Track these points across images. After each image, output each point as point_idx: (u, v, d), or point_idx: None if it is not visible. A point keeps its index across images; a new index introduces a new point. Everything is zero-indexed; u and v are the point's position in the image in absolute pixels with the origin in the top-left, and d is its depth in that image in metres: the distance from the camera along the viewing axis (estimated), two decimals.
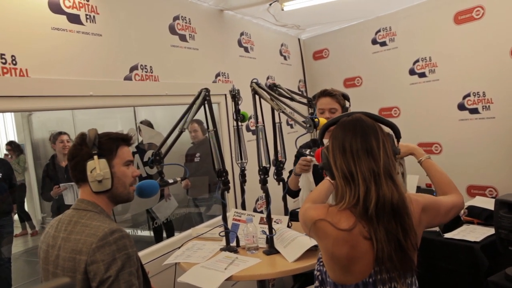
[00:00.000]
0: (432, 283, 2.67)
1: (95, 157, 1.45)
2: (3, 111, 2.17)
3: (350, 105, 2.53)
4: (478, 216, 2.88)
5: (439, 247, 2.70)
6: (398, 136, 1.51)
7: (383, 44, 3.99)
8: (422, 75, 3.72)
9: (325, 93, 2.46)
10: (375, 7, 3.83)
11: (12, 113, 5.55)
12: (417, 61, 3.74)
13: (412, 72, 3.79)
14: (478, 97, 3.36)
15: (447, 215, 1.51)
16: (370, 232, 1.27)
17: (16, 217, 5.37)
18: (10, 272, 4.04)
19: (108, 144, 1.50)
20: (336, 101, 2.43)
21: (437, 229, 2.73)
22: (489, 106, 3.31)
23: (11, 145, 5.45)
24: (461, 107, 3.48)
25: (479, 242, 2.54)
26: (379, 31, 4.00)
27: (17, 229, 5.79)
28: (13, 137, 6.15)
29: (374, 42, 4.06)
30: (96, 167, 1.44)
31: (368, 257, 1.28)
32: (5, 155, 5.47)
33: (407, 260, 1.29)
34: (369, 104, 4.07)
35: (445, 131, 3.58)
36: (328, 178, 1.60)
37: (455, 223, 2.86)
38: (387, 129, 1.47)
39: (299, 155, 2.49)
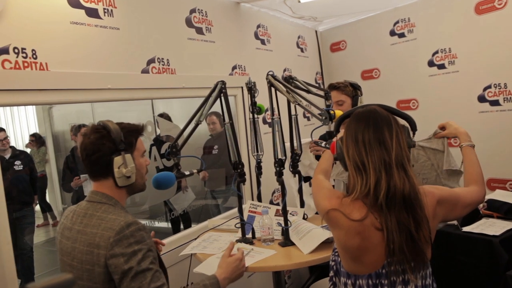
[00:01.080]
0: (450, 276, 2.65)
1: (123, 152, 1.45)
2: (24, 104, 2.21)
3: (361, 94, 2.51)
4: (497, 209, 2.83)
5: (457, 241, 2.67)
6: (414, 128, 1.50)
7: (401, 35, 3.94)
8: (442, 66, 3.66)
9: (330, 87, 2.46)
10: None
11: (34, 106, 5.67)
12: (436, 52, 3.68)
13: (431, 63, 3.73)
14: (500, 88, 3.29)
15: (464, 210, 1.50)
16: (381, 223, 1.27)
17: (38, 207, 5.50)
18: (32, 261, 4.15)
19: (129, 138, 1.51)
20: (342, 93, 2.43)
21: (455, 222, 2.69)
22: (510, 98, 3.25)
23: (34, 136, 5.59)
24: (482, 99, 3.42)
25: (498, 236, 2.50)
26: (397, 22, 3.95)
27: (39, 220, 5.94)
28: (34, 129, 6.29)
29: (392, 33, 4.00)
30: (125, 163, 1.45)
31: (380, 248, 1.29)
32: (27, 144, 5.60)
33: (418, 252, 1.28)
34: (387, 96, 4.02)
35: (464, 123, 3.41)
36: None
37: (474, 216, 2.82)
38: (403, 122, 1.46)
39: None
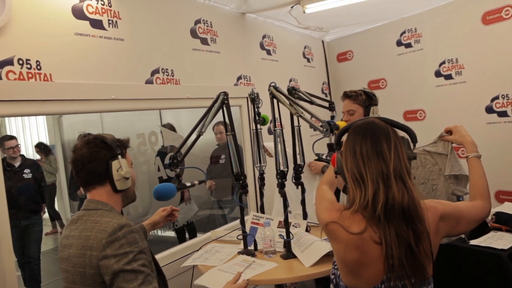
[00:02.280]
0: None
1: (119, 156, 1.51)
2: (28, 115, 2.24)
3: (376, 103, 2.48)
4: (506, 222, 2.78)
5: (464, 254, 2.62)
6: (414, 140, 1.48)
7: (408, 45, 3.92)
8: (449, 77, 3.63)
9: (343, 95, 2.44)
10: (399, 8, 3.77)
11: (44, 116, 5.72)
12: (443, 62, 3.66)
13: (438, 74, 3.71)
14: (508, 99, 3.26)
15: (469, 226, 1.47)
16: (380, 236, 1.25)
17: (46, 215, 5.53)
18: (39, 269, 4.16)
19: (121, 147, 1.57)
20: (354, 102, 2.40)
21: (462, 235, 2.65)
22: None
23: (39, 147, 5.61)
24: (489, 110, 3.38)
25: (506, 250, 2.45)
26: (404, 32, 3.93)
27: (48, 228, 5.98)
28: (44, 138, 6.35)
29: (399, 43, 3.99)
30: (122, 165, 1.51)
31: (379, 263, 1.26)
32: (38, 159, 5.64)
33: (418, 266, 1.26)
34: (394, 106, 4.00)
35: (472, 134, 3.41)
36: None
37: (482, 229, 2.77)
38: (403, 134, 1.45)
39: (318, 159, 2.48)
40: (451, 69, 3.61)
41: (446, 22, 3.63)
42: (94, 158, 1.49)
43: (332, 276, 1.45)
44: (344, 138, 1.48)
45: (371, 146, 1.32)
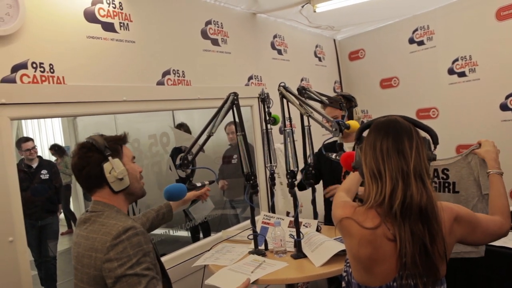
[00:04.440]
0: None
1: (110, 158, 1.50)
2: (41, 117, 2.27)
3: (356, 105, 2.55)
4: None
5: None
6: (435, 142, 1.46)
7: (420, 43, 3.89)
8: (462, 74, 3.59)
9: (323, 104, 2.45)
10: (411, 6, 3.74)
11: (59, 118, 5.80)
12: (457, 60, 3.62)
13: (451, 71, 3.67)
14: None
15: (486, 238, 1.44)
16: (394, 233, 1.25)
17: (62, 216, 5.61)
18: (55, 269, 4.22)
19: (113, 145, 1.55)
20: (335, 108, 2.43)
21: None
22: None
23: (54, 149, 5.68)
24: (504, 107, 3.33)
25: None
26: (416, 30, 3.90)
27: (64, 228, 6.06)
28: (60, 140, 6.44)
29: (411, 41, 3.96)
30: (114, 166, 1.50)
31: (392, 260, 1.27)
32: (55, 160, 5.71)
33: (431, 266, 1.26)
34: (406, 105, 3.97)
35: (486, 132, 3.44)
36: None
37: None
38: (424, 134, 1.44)
39: (319, 153, 2.47)
40: (464, 67, 3.57)
41: (459, 18, 3.59)
42: (87, 163, 1.50)
43: (344, 274, 1.46)
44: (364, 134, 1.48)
45: (392, 143, 1.32)
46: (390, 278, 1.28)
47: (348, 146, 2.58)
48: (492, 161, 1.69)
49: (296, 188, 2.13)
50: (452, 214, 1.36)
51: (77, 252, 1.47)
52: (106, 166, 1.49)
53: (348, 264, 1.43)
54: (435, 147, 1.46)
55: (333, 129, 1.82)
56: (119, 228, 1.39)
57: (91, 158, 1.49)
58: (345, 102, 2.47)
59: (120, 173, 1.51)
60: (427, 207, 1.26)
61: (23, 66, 1.89)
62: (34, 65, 1.93)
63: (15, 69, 1.86)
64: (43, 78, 1.97)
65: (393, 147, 1.31)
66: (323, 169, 2.66)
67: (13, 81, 1.85)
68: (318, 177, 2.68)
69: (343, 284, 1.46)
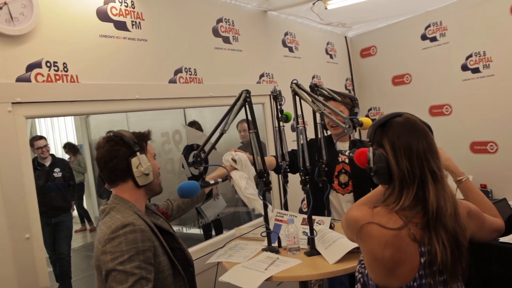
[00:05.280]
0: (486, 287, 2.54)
1: (138, 153, 1.56)
2: (56, 116, 2.29)
3: (358, 105, 2.52)
4: None
5: (493, 251, 2.56)
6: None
7: (433, 39, 3.85)
8: (476, 70, 3.55)
9: (327, 98, 2.43)
10: (424, 2, 3.70)
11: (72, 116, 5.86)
12: (470, 56, 3.58)
13: (464, 67, 3.63)
14: None
15: (491, 235, 1.46)
16: (423, 237, 1.25)
17: (75, 213, 5.67)
18: (69, 265, 4.27)
19: (140, 141, 1.61)
20: (341, 104, 2.43)
21: None
22: None
23: (67, 147, 5.73)
24: None
25: None
26: (429, 26, 3.86)
27: (77, 225, 6.13)
28: (73, 138, 6.50)
29: (423, 37, 3.92)
30: (141, 162, 1.56)
31: (413, 260, 1.26)
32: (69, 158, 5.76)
33: (459, 265, 1.27)
34: (419, 101, 3.95)
35: (501, 129, 3.40)
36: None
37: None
38: None
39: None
40: (478, 62, 3.53)
41: (472, 14, 3.54)
42: (115, 156, 1.55)
43: (359, 276, 1.43)
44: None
45: (426, 145, 1.31)
46: (411, 278, 1.27)
47: (342, 146, 2.57)
48: (456, 168, 1.66)
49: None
50: (466, 209, 1.37)
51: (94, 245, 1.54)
52: (134, 161, 1.55)
53: (362, 265, 1.41)
54: None
55: (347, 126, 1.81)
56: (117, 223, 1.44)
57: (119, 152, 1.55)
58: (349, 101, 2.46)
59: (147, 169, 1.57)
60: (454, 206, 1.28)
61: (38, 65, 1.91)
62: (48, 64, 1.95)
63: (30, 68, 1.88)
64: (57, 77, 1.98)
65: (428, 150, 1.30)
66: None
67: (28, 80, 1.87)
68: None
69: (358, 286, 1.44)
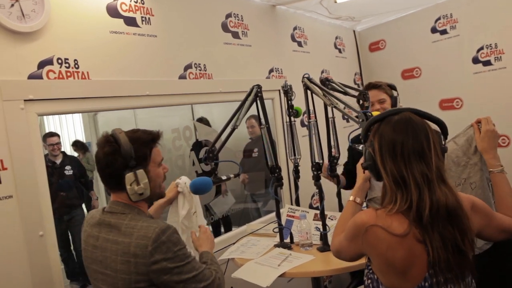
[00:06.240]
0: (501, 284, 2.52)
1: (134, 170, 1.41)
2: (67, 113, 2.31)
3: (398, 94, 2.45)
4: None
5: (509, 248, 2.54)
6: (445, 133, 1.42)
7: (443, 32, 3.81)
8: (487, 63, 3.51)
9: (370, 86, 2.40)
10: None
11: (80, 113, 5.87)
12: (481, 48, 3.54)
13: (475, 60, 3.59)
14: None
15: (500, 234, 1.43)
16: (424, 238, 1.23)
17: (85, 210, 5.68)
18: (82, 262, 4.28)
19: (142, 151, 1.45)
20: (383, 91, 2.37)
21: None
22: None
23: (76, 145, 5.73)
24: None
25: None
26: (439, 18, 3.82)
27: None
28: (80, 135, 6.51)
29: (433, 30, 3.88)
30: (138, 178, 1.41)
31: (422, 260, 1.24)
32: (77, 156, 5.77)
33: (465, 263, 1.25)
34: (429, 95, 3.91)
35: None
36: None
37: None
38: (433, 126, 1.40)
39: (350, 149, 2.44)
40: (490, 55, 3.49)
41: (483, 6, 3.50)
42: (110, 165, 1.42)
43: (369, 281, 1.40)
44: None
45: (412, 146, 1.27)
46: (421, 279, 1.25)
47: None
48: (492, 159, 1.64)
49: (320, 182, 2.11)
50: (469, 203, 1.35)
51: (103, 257, 1.43)
52: (128, 177, 1.40)
53: (371, 271, 1.39)
54: (445, 139, 1.43)
55: (360, 120, 1.79)
56: (156, 230, 1.36)
57: (116, 162, 1.40)
58: (390, 90, 2.45)
59: (141, 189, 1.42)
60: (455, 206, 1.25)
61: (49, 62, 1.91)
62: (60, 61, 1.95)
63: (41, 65, 1.88)
64: (68, 74, 1.98)
65: (414, 151, 1.27)
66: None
67: (39, 77, 1.87)
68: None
69: None
